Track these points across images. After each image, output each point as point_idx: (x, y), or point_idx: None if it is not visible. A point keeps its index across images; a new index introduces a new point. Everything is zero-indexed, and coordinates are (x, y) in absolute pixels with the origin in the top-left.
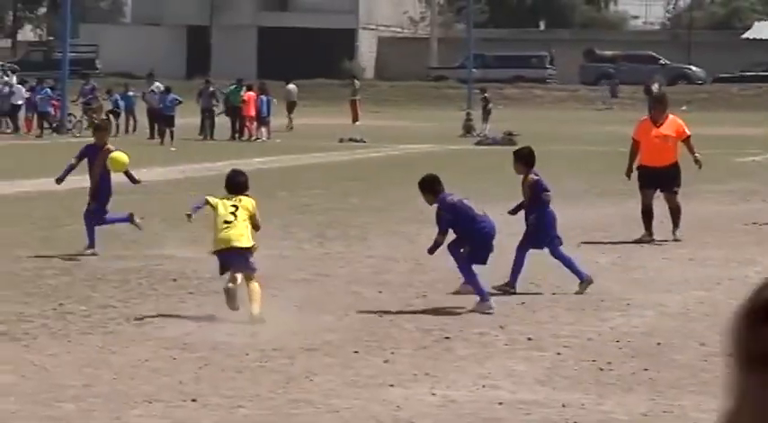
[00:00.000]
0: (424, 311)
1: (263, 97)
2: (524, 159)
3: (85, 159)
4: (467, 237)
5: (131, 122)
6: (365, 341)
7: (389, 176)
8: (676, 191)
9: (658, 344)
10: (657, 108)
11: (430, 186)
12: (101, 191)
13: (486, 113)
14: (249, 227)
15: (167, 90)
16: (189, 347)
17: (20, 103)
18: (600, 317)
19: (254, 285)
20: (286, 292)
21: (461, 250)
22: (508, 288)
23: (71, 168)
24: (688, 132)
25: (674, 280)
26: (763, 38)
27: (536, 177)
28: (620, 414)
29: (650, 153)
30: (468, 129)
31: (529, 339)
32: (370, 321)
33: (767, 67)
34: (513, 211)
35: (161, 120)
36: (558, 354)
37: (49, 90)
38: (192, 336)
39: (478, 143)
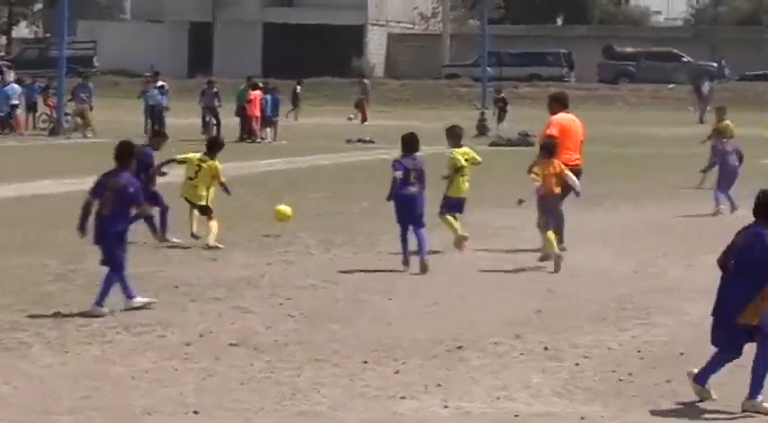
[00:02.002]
0: (435, 320)
1: (268, 96)
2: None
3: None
4: None
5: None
6: (374, 351)
7: None
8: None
9: (681, 354)
10: (551, 106)
11: None
12: None
13: (503, 113)
14: (210, 187)
15: (161, 88)
16: (191, 357)
17: (15, 102)
18: (620, 326)
19: (212, 223)
20: (293, 300)
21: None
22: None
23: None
24: (549, 132)
25: (697, 287)
26: None
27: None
28: None
29: None
30: (481, 129)
31: (546, 349)
32: (379, 330)
33: None
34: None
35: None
36: (577, 364)
37: (6, 89)
38: (195, 345)
39: (492, 144)
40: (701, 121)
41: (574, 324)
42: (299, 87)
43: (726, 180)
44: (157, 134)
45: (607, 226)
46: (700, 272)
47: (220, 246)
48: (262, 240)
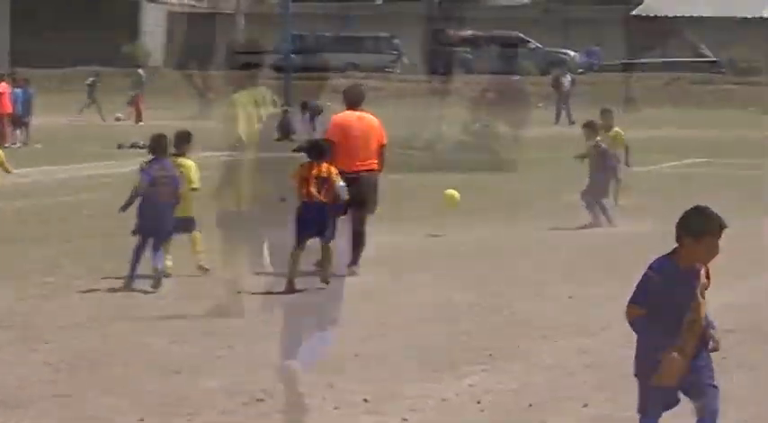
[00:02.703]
0: (230, 366)
1: (18, 91)
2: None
3: None
4: None
5: None
6: (154, 405)
7: None
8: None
9: (530, 405)
10: (345, 103)
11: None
12: None
13: (316, 116)
14: None
15: None
16: None
17: None
18: (456, 372)
19: None
20: (52, 344)
21: None
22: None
23: None
24: (327, 137)
25: (548, 324)
26: (659, 15)
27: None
28: None
29: None
30: (284, 130)
31: (365, 401)
32: (160, 379)
33: (663, 51)
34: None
35: None
36: (404, 420)
37: None
38: None
39: (298, 149)
40: (563, 121)
41: (399, 370)
42: (91, 79)
43: (597, 187)
44: None
45: (439, 248)
46: (554, 304)
47: None
48: (12, 269)
